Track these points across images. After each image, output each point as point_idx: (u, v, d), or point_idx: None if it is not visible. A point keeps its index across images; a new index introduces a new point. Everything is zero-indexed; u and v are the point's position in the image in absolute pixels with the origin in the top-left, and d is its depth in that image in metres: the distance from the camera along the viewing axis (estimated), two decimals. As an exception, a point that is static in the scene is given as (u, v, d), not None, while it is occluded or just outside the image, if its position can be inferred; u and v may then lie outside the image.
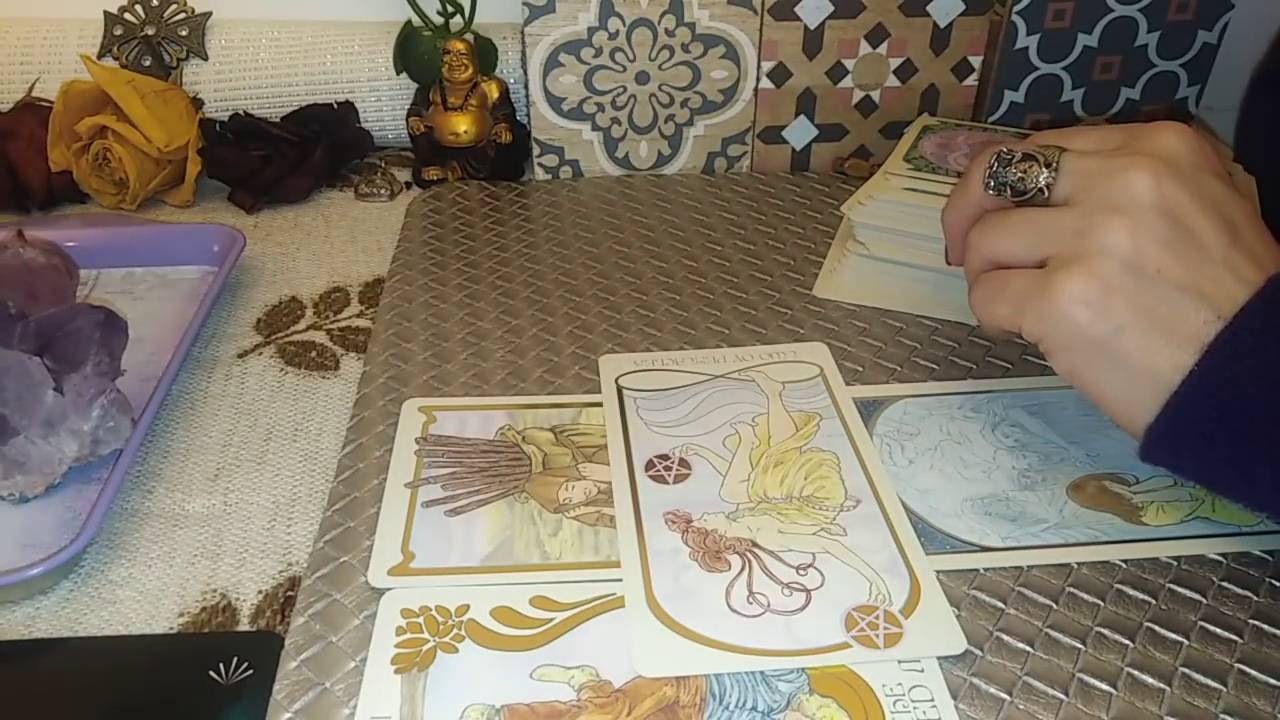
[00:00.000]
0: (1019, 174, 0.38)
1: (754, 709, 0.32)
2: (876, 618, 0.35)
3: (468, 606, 0.36)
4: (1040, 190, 0.37)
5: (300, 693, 0.33)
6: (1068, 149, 0.38)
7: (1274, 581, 0.37)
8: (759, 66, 0.63)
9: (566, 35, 0.61)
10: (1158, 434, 0.35)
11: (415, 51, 0.67)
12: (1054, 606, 0.36)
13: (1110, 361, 0.35)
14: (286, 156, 0.65)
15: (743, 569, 0.37)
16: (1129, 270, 0.34)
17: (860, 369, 0.48)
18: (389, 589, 0.36)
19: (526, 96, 0.64)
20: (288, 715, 0.32)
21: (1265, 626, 0.35)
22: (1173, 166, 0.35)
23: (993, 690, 0.33)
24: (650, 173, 0.66)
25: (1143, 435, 0.35)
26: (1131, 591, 0.37)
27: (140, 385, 0.46)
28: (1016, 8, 0.61)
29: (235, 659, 0.35)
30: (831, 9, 0.61)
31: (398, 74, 0.69)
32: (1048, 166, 0.37)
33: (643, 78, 0.63)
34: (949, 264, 0.44)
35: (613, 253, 0.58)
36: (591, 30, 0.61)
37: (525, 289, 0.54)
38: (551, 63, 0.62)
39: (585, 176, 0.66)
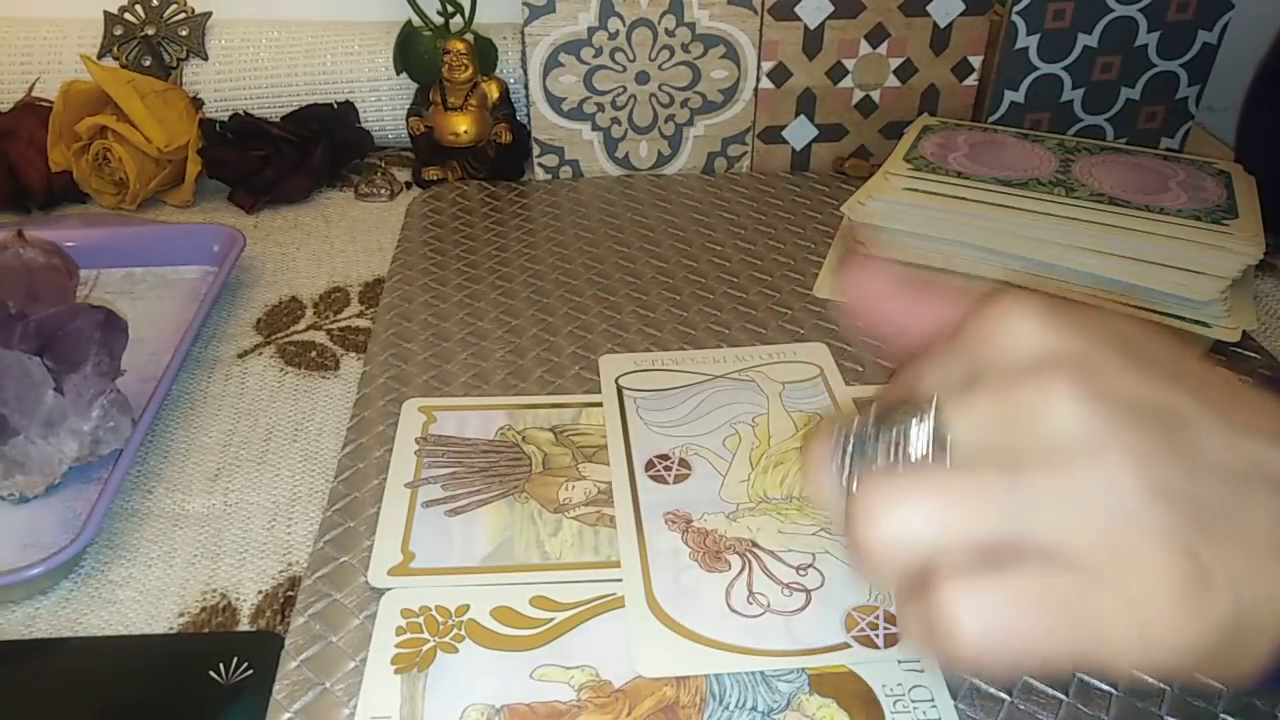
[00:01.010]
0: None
1: (754, 709, 0.32)
2: (876, 618, 0.35)
3: (468, 606, 0.36)
4: None
5: (300, 693, 0.33)
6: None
7: (1274, 581, 0.37)
8: (759, 66, 0.63)
9: (566, 35, 0.61)
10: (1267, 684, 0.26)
11: (415, 51, 0.67)
12: (1054, 606, 0.36)
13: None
14: (286, 156, 0.65)
15: (743, 569, 0.37)
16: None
17: (860, 369, 0.48)
18: (389, 589, 0.36)
19: (526, 96, 0.64)
20: (288, 715, 0.32)
21: (1265, 626, 0.35)
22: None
23: (993, 690, 0.33)
24: (650, 173, 0.66)
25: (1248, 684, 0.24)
26: (1131, 591, 0.37)
27: (140, 385, 0.46)
28: (1016, 8, 0.61)
29: (235, 659, 0.35)
30: (831, 9, 0.61)
31: (398, 74, 0.69)
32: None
33: (643, 78, 0.63)
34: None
35: (613, 253, 0.58)
36: (591, 30, 0.61)
37: (525, 289, 0.54)
38: (551, 63, 0.62)
39: (585, 176, 0.66)
